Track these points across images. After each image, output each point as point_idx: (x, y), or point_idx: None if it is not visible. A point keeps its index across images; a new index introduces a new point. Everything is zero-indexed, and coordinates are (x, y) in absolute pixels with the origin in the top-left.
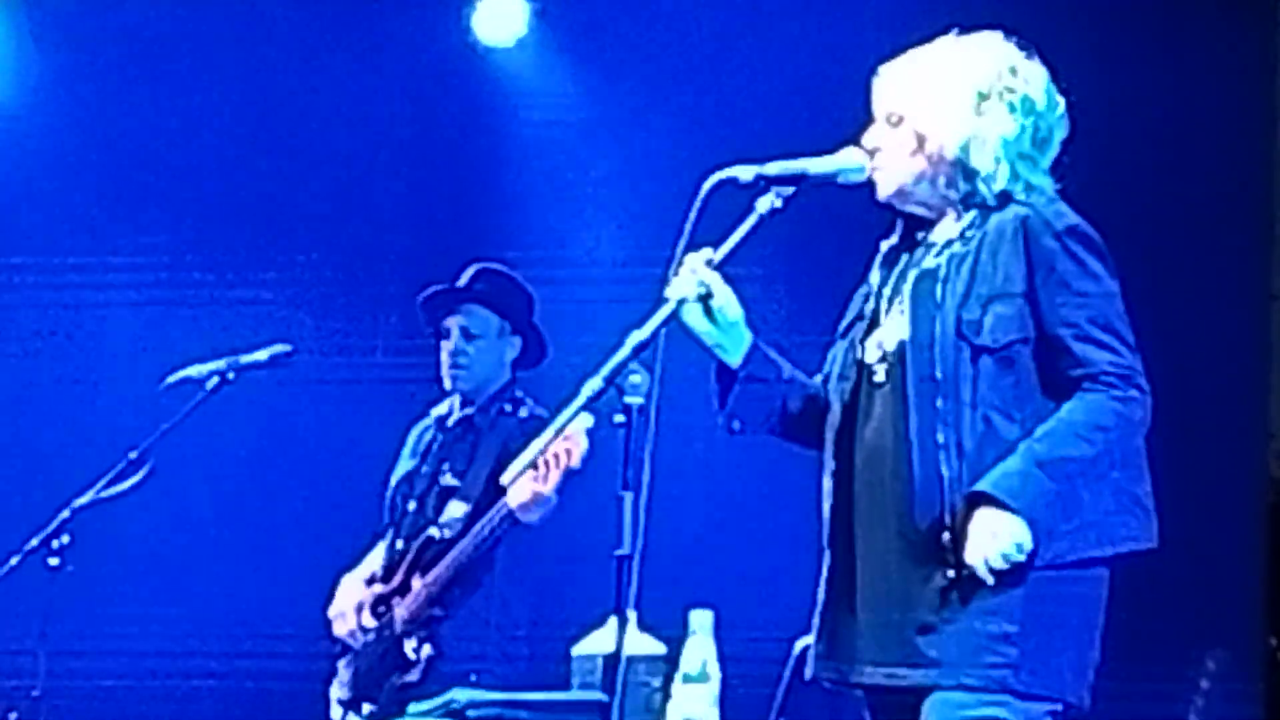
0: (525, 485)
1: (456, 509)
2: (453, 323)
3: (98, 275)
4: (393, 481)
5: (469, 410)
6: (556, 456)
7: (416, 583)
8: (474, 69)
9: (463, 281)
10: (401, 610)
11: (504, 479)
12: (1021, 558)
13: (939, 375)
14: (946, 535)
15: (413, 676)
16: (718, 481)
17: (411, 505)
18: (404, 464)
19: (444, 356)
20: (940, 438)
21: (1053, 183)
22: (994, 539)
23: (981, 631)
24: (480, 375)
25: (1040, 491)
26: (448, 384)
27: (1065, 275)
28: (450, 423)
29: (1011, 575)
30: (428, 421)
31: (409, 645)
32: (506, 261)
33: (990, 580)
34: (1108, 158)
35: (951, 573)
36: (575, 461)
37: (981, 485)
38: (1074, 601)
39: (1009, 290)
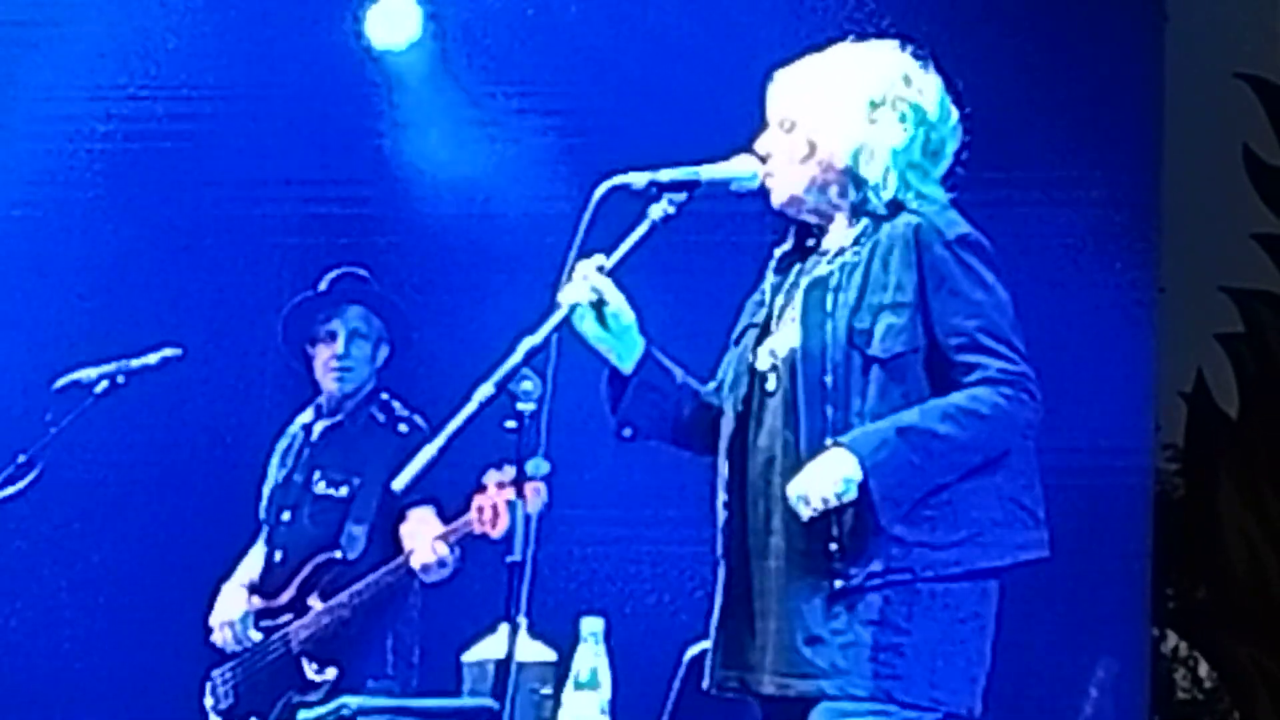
0: (427, 548)
1: (356, 530)
2: (338, 325)
3: None
4: (266, 489)
5: (337, 417)
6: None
7: (316, 603)
8: (366, 71)
9: (324, 286)
10: (301, 631)
11: (395, 484)
12: (848, 493)
13: (828, 383)
14: (834, 545)
15: (314, 697)
16: (610, 488)
17: (285, 515)
18: (274, 472)
19: (325, 359)
20: (829, 445)
21: (945, 193)
22: (819, 475)
23: (868, 642)
24: (361, 377)
25: (894, 454)
26: (330, 386)
27: (956, 284)
28: (316, 429)
29: (900, 589)
30: (294, 429)
31: (309, 667)
32: (397, 265)
33: (804, 516)
34: (993, 151)
35: (840, 583)
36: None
37: (840, 439)
38: (963, 612)
39: (900, 300)
